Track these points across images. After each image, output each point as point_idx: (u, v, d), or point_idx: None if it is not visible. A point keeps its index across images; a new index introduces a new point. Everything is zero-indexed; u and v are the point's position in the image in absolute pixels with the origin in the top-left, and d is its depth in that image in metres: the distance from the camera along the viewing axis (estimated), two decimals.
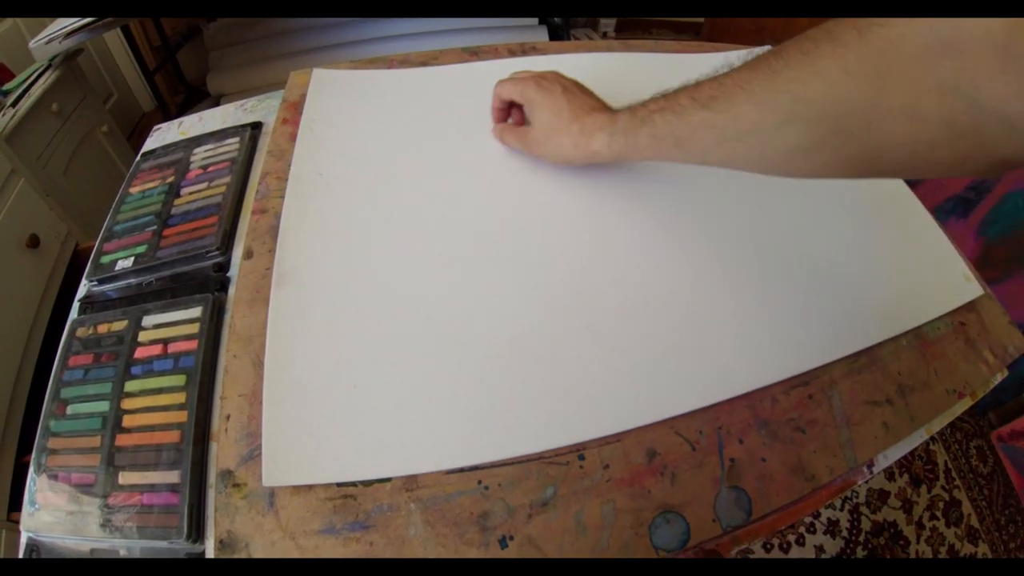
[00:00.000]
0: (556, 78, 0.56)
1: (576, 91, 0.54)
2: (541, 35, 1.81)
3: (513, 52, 0.75)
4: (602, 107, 0.53)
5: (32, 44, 1.30)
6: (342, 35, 1.79)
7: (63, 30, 1.24)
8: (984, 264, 1.41)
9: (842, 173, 0.38)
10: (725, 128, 0.41)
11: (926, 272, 0.56)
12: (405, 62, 0.72)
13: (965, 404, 0.49)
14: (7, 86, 1.34)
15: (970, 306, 0.54)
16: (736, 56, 0.42)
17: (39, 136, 1.33)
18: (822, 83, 0.34)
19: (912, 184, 0.63)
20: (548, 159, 0.56)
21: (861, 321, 0.49)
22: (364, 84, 0.68)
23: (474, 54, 0.74)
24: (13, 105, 1.27)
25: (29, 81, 1.35)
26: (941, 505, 1.39)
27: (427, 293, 0.48)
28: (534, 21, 1.82)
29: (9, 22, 1.63)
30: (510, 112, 0.61)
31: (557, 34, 1.81)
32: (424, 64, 0.72)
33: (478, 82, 0.69)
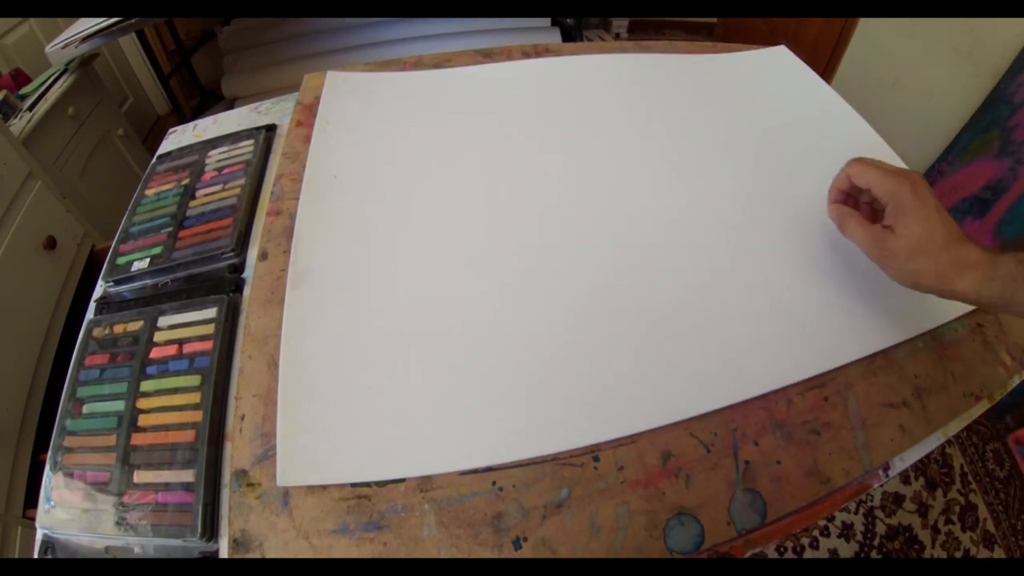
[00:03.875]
0: (929, 188, 0.46)
1: (945, 212, 0.45)
2: (554, 37, 1.81)
3: (527, 54, 0.75)
4: (971, 239, 0.44)
5: (48, 49, 1.32)
6: (355, 38, 1.80)
7: (79, 35, 1.25)
8: None
9: None
10: None
11: None
12: (418, 64, 0.73)
13: (982, 407, 0.48)
14: (24, 90, 1.36)
15: None
16: None
17: (56, 139, 1.35)
18: None
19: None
20: (896, 277, 0.46)
21: (877, 322, 0.49)
22: (377, 86, 0.68)
23: (487, 56, 0.74)
24: (30, 109, 1.29)
25: (46, 85, 1.37)
26: (957, 509, 1.38)
27: (441, 294, 0.48)
28: (547, 23, 1.82)
29: (26, 27, 1.65)
30: (849, 197, 0.51)
31: (570, 36, 1.81)
32: (437, 66, 0.72)
33: (491, 84, 0.69)
